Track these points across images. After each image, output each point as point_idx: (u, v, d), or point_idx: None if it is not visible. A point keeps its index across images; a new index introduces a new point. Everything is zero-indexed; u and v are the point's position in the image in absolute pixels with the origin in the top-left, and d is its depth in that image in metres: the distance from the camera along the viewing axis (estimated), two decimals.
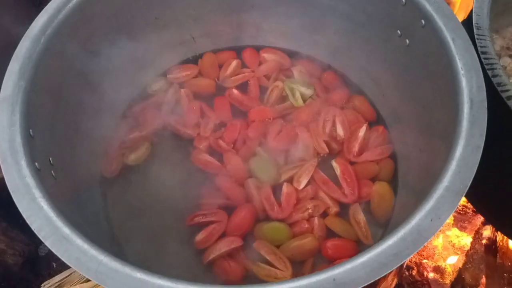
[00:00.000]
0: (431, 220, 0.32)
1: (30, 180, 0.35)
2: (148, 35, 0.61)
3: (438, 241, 0.75)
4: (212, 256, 0.52)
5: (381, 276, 0.30)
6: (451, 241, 0.74)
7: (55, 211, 0.34)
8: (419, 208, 0.33)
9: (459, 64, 0.40)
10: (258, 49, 0.69)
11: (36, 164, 0.38)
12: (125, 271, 0.31)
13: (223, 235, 0.54)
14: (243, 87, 0.66)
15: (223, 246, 0.52)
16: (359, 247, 0.54)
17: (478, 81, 0.39)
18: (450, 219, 0.74)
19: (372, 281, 0.30)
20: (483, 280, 0.63)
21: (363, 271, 0.30)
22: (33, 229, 0.33)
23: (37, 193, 0.35)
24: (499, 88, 0.43)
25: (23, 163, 0.36)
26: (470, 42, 0.42)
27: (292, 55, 0.69)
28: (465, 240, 0.71)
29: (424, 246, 0.76)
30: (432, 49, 0.45)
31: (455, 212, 0.76)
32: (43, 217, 0.33)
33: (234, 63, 0.67)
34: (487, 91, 0.42)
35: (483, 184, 0.51)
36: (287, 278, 0.50)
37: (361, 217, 0.55)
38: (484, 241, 0.66)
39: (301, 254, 0.52)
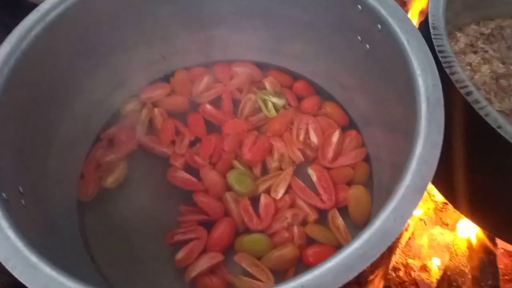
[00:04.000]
0: (394, 220, 0.33)
1: None
2: (116, 57, 0.61)
3: (423, 240, 0.75)
4: (194, 273, 0.52)
5: (348, 280, 0.31)
6: (436, 239, 0.74)
7: (23, 241, 0.34)
8: (382, 209, 0.34)
9: (415, 64, 0.41)
10: (229, 63, 0.70)
11: (3, 194, 0.37)
12: None
13: (204, 251, 0.53)
14: (216, 102, 0.67)
15: (204, 263, 0.52)
16: None
17: (434, 79, 0.40)
18: (432, 217, 0.75)
19: (340, 285, 0.30)
20: (469, 276, 0.63)
21: (330, 276, 0.31)
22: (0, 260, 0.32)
23: (4, 224, 0.34)
24: (457, 85, 0.44)
25: None
26: (424, 43, 0.43)
27: (262, 67, 0.70)
28: (449, 237, 0.72)
29: (410, 246, 0.76)
30: (390, 52, 0.46)
31: (437, 209, 0.77)
32: (10, 247, 0.33)
33: (206, 78, 0.68)
34: (448, 89, 0.43)
35: (453, 177, 0.52)
36: None
37: (340, 221, 0.55)
38: (466, 237, 0.67)
39: (283, 264, 0.53)
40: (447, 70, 0.45)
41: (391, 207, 0.33)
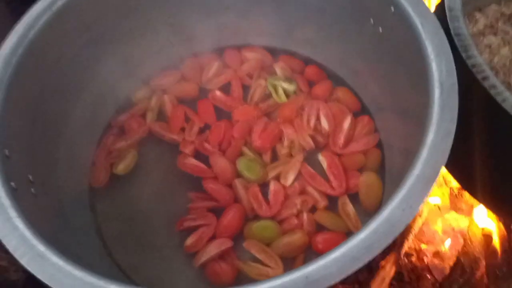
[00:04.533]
0: (402, 210, 0.32)
1: (5, 201, 0.36)
2: (125, 45, 0.61)
3: (437, 226, 0.74)
4: (203, 259, 0.52)
5: (354, 270, 0.30)
6: (450, 224, 0.73)
7: (31, 230, 0.34)
8: (391, 198, 0.33)
9: (429, 48, 0.40)
10: (239, 48, 0.69)
11: (12, 183, 0.38)
12: (100, 285, 0.31)
13: (213, 238, 0.54)
14: (226, 88, 0.66)
15: (213, 249, 0.52)
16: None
17: (448, 64, 0.39)
18: (446, 202, 0.74)
19: (344, 276, 0.30)
20: (483, 262, 0.62)
21: (335, 266, 0.30)
22: (8, 249, 0.33)
23: (12, 213, 0.35)
24: (474, 70, 0.42)
25: None
26: (439, 26, 0.41)
27: (273, 52, 0.68)
28: (464, 222, 0.70)
29: (424, 231, 0.75)
30: (403, 35, 0.44)
31: (452, 195, 0.75)
32: (18, 236, 0.34)
33: (216, 65, 0.67)
34: (463, 74, 0.41)
35: (469, 164, 0.51)
36: None
37: (350, 208, 0.54)
38: (481, 224, 0.65)
39: (292, 250, 0.52)
40: (463, 55, 0.43)
41: (400, 197, 0.33)
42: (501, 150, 0.45)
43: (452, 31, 0.45)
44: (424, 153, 0.34)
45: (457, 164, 0.53)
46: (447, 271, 0.62)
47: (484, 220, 0.66)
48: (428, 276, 0.67)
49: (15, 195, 0.37)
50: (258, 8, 0.63)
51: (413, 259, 0.69)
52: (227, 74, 0.67)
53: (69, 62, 0.54)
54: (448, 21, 0.45)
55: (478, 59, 0.43)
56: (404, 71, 0.46)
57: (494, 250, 0.62)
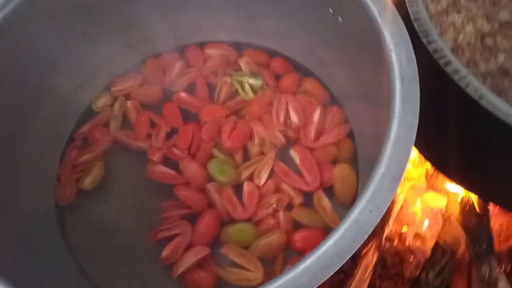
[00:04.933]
0: (370, 212, 0.31)
1: None
2: (80, 51, 0.58)
3: (416, 207, 0.74)
4: (181, 269, 0.51)
5: (325, 279, 0.29)
6: (429, 204, 0.73)
7: None
8: (357, 200, 0.32)
9: (387, 38, 0.39)
10: (201, 46, 0.67)
11: None
12: None
13: (189, 246, 0.52)
14: (191, 88, 0.64)
15: (190, 258, 0.51)
16: (328, 233, 0.53)
17: (408, 54, 0.38)
18: (423, 183, 0.74)
19: (317, 286, 0.29)
20: (463, 241, 0.63)
21: (306, 277, 0.29)
22: None
23: None
24: (435, 55, 0.42)
25: None
26: (397, 14, 0.40)
27: (237, 46, 0.66)
28: (442, 202, 0.71)
29: (404, 213, 0.75)
30: (362, 25, 0.43)
31: (428, 175, 0.75)
32: None
33: (178, 64, 0.65)
34: (426, 60, 0.40)
35: (441, 148, 0.50)
36: (259, 279, 0.49)
37: (326, 203, 0.54)
38: (458, 202, 0.65)
39: (271, 251, 0.52)
40: (424, 40, 0.42)
41: (366, 198, 0.32)
42: (468, 132, 0.45)
43: (411, 16, 0.44)
44: (388, 150, 0.33)
45: (428, 145, 0.53)
46: (429, 253, 0.63)
47: (460, 198, 0.67)
48: (411, 258, 0.67)
49: None
50: (218, 2, 0.61)
51: (395, 243, 0.70)
52: (191, 73, 0.64)
53: (22, 73, 0.51)
54: (407, 5, 0.44)
55: (439, 43, 0.42)
56: (366, 60, 0.45)
57: (473, 228, 0.62)
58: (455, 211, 0.65)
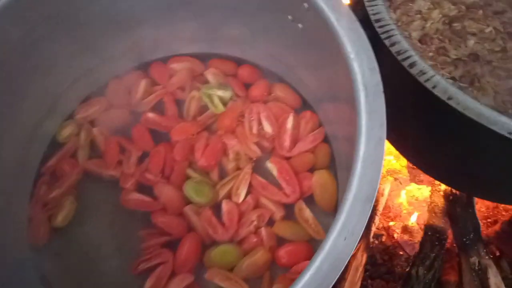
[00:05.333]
0: (344, 239, 0.29)
1: None
2: (36, 82, 0.55)
3: (401, 198, 0.74)
4: None
5: None
6: (414, 195, 0.73)
7: None
8: (330, 228, 0.30)
9: (347, 47, 0.37)
10: (165, 61, 0.64)
11: None
12: None
13: (172, 275, 0.51)
14: (158, 107, 0.61)
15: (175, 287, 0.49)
16: (313, 245, 0.51)
17: (370, 62, 0.36)
18: (406, 175, 0.73)
19: None
20: (450, 232, 0.62)
21: None
22: None
23: None
24: (399, 57, 0.40)
25: None
26: (355, 20, 0.38)
27: (202, 58, 0.64)
28: (426, 192, 0.70)
29: (390, 207, 0.75)
30: (322, 32, 0.41)
31: (409, 167, 0.75)
32: None
33: (143, 83, 0.62)
34: (390, 63, 0.39)
35: (413, 146, 0.49)
36: None
37: (308, 213, 0.52)
38: (441, 193, 0.65)
39: (256, 271, 0.50)
40: (386, 42, 0.40)
41: (340, 224, 0.30)
42: (442, 132, 0.44)
43: (371, 18, 0.42)
44: (358, 168, 0.32)
45: (406, 147, 0.52)
46: (417, 247, 0.62)
47: (444, 188, 0.66)
48: (401, 252, 0.67)
49: None
50: (173, 16, 0.58)
51: (383, 238, 0.69)
52: (157, 91, 0.62)
53: None
54: (366, 7, 0.42)
55: (403, 44, 0.41)
56: (331, 67, 0.44)
57: (459, 217, 0.62)
58: (439, 201, 0.65)
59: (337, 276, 0.29)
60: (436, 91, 0.38)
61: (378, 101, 0.34)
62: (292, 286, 0.29)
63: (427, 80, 0.38)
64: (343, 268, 0.29)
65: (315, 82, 0.55)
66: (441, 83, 0.38)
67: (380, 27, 0.41)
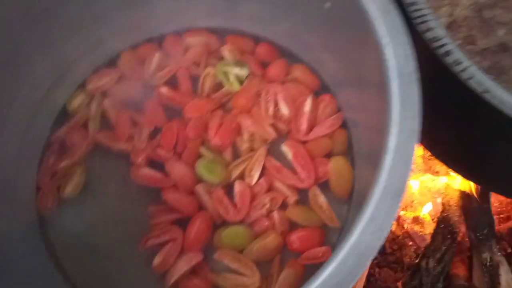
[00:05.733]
0: (372, 234, 0.28)
1: None
2: (48, 49, 0.53)
3: (414, 189, 0.72)
4: (174, 278, 0.48)
5: None
6: (427, 186, 0.71)
7: None
8: (356, 222, 0.29)
9: (380, 30, 0.35)
10: (180, 34, 0.62)
11: None
12: None
13: (181, 253, 0.50)
14: (172, 81, 0.59)
15: (183, 265, 0.49)
16: (326, 231, 0.51)
17: (405, 48, 0.34)
18: (421, 165, 0.72)
19: None
20: (463, 226, 0.61)
21: None
22: None
23: None
24: (433, 45, 0.38)
25: None
26: (390, 1, 0.36)
27: (218, 33, 0.62)
28: (441, 183, 0.69)
29: None
30: (351, 13, 0.39)
31: (425, 157, 0.73)
32: None
33: (157, 56, 0.60)
34: (420, 51, 0.37)
35: (441, 140, 0.48)
36: (256, 284, 0.48)
37: (322, 199, 0.51)
38: (457, 185, 0.64)
39: (267, 254, 0.49)
40: (420, 28, 0.38)
41: (366, 218, 0.29)
42: (473, 126, 0.42)
43: (404, 0, 0.39)
44: (388, 161, 0.30)
45: (429, 138, 0.50)
46: (429, 238, 0.61)
47: (460, 182, 0.65)
48: (410, 243, 0.66)
49: None
50: None
51: (393, 227, 0.68)
52: (171, 65, 0.60)
53: None
54: None
55: (438, 30, 0.38)
56: (359, 53, 0.41)
57: (473, 212, 0.61)
58: (454, 194, 0.63)
59: (362, 272, 0.28)
60: (471, 83, 0.36)
61: (413, 90, 0.32)
62: (313, 278, 0.28)
63: (463, 70, 0.36)
64: (368, 265, 0.27)
65: (338, 65, 0.53)
66: (477, 75, 0.36)
67: (414, 11, 0.39)
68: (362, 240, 0.28)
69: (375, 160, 0.41)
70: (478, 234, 0.58)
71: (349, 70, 0.48)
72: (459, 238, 0.60)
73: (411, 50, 0.34)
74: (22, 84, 0.52)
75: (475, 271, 0.57)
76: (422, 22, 0.38)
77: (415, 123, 0.31)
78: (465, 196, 0.62)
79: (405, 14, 0.38)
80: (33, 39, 0.50)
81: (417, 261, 0.59)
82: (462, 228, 0.61)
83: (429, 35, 0.38)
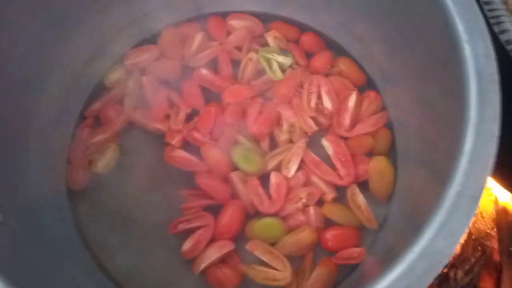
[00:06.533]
0: (444, 239, 0.27)
1: None
2: (90, 20, 0.52)
3: None
4: (203, 265, 0.47)
5: None
6: None
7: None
8: (425, 225, 0.27)
9: (460, 27, 0.33)
10: (224, 16, 0.60)
11: None
12: None
13: (212, 240, 0.49)
14: (212, 64, 0.58)
15: (213, 253, 0.48)
16: (362, 233, 0.49)
17: (486, 47, 0.32)
18: None
19: None
20: (496, 239, 0.59)
21: None
22: None
23: None
24: (508, 47, 0.36)
25: None
26: None
27: (264, 18, 0.60)
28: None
29: None
30: (425, 7, 0.37)
31: None
32: None
33: (199, 36, 0.59)
34: (497, 52, 0.35)
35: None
36: (287, 279, 0.46)
37: (361, 199, 0.50)
38: (492, 197, 0.62)
39: (300, 249, 0.48)
40: (495, 28, 0.36)
41: (439, 222, 0.27)
42: None
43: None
44: (463, 164, 0.29)
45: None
46: (459, 248, 0.60)
47: (495, 195, 0.63)
48: None
49: None
50: None
51: None
52: (213, 48, 0.58)
53: (28, 46, 0.46)
54: None
55: None
56: (424, 49, 0.40)
57: (507, 226, 0.59)
58: (489, 206, 0.62)
59: (432, 278, 0.26)
60: None
61: (493, 92, 0.30)
62: (378, 279, 0.26)
63: None
64: (440, 270, 0.26)
65: (391, 59, 0.51)
66: None
67: (490, 10, 0.37)
68: (433, 246, 0.27)
69: (430, 163, 0.40)
70: (510, 249, 0.57)
71: (406, 65, 0.46)
72: (489, 251, 0.59)
73: (492, 50, 0.32)
74: (63, 52, 0.51)
75: (505, 286, 0.55)
76: (497, 23, 0.36)
77: (495, 126, 0.29)
78: (501, 209, 0.60)
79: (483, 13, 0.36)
80: (79, 3, 0.49)
81: (445, 270, 0.58)
82: (494, 241, 0.59)
83: (504, 36, 0.36)
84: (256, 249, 0.48)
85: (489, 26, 0.37)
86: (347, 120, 0.53)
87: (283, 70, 0.56)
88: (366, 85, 0.55)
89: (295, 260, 0.48)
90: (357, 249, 0.47)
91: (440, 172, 0.36)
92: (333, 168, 0.51)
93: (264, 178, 0.51)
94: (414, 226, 0.35)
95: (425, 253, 0.26)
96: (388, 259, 0.40)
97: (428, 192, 0.39)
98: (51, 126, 0.52)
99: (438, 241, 0.27)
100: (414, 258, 0.26)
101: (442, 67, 0.36)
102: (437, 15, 0.35)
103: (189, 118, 0.55)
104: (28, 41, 0.46)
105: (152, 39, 0.59)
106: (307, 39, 0.58)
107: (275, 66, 0.56)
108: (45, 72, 0.50)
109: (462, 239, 0.63)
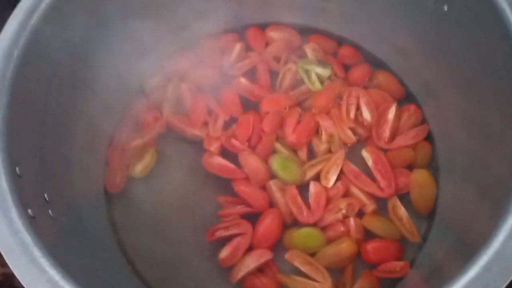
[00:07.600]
0: None
1: (25, 236, 0.29)
2: (136, 25, 0.53)
3: None
4: (241, 274, 0.46)
5: None
6: None
7: (60, 272, 0.28)
8: (497, 226, 0.27)
9: None
10: (263, 27, 0.61)
11: (29, 211, 0.31)
12: None
13: (249, 248, 0.48)
14: (251, 74, 0.58)
15: (251, 262, 0.47)
16: (404, 246, 0.48)
17: None
18: None
19: None
20: None
21: None
22: None
23: (36, 252, 0.28)
24: None
25: (14, 214, 0.30)
26: None
27: (302, 30, 0.61)
28: None
29: None
30: (480, 16, 0.37)
31: None
32: (46, 282, 0.27)
33: (238, 46, 0.59)
34: None
35: None
36: None
37: (403, 211, 0.49)
38: None
39: (340, 261, 0.47)
40: None
41: (511, 224, 0.27)
42: None
43: None
44: None
45: None
46: None
47: None
48: None
49: (34, 226, 0.30)
50: None
51: None
52: (252, 57, 0.59)
53: (76, 48, 0.46)
54: None
55: None
56: (478, 62, 0.39)
57: None
58: None
59: (507, 282, 0.25)
60: None
61: None
62: (452, 280, 0.26)
63: None
64: None
65: (436, 71, 0.50)
66: None
67: None
68: (508, 247, 0.26)
69: (478, 179, 0.39)
70: None
71: (454, 77, 0.46)
72: None
73: None
74: (103, 60, 0.51)
75: None
76: None
77: None
78: None
79: None
80: (119, 13, 0.49)
81: None
82: None
83: None
84: (296, 259, 0.47)
85: None
86: (386, 132, 0.52)
87: (321, 82, 0.57)
88: (405, 98, 0.56)
89: (334, 272, 0.47)
90: (400, 263, 0.46)
91: (490, 189, 0.36)
92: (373, 179, 0.50)
93: (302, 188, 0.51)
94: (465, 243, 0.34)
95: (499, 255, 0.26)
96: (435, 276, 0.39)
97: (478, 207, 0.39)
98: (93, 126, 0.52)
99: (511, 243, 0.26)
100: (488, 259, 0.26)
101: (497, 85, 0.36)
102: (496, 26, 0.35)
103: (226, 126, 0.55)
104: (77, 43, 0.47)
105: (192, 47, 0.60)
106: (345, 52, 0.59)
107: (313, 77, 0.57)
108: (90, 73, 0.50)
109: None
